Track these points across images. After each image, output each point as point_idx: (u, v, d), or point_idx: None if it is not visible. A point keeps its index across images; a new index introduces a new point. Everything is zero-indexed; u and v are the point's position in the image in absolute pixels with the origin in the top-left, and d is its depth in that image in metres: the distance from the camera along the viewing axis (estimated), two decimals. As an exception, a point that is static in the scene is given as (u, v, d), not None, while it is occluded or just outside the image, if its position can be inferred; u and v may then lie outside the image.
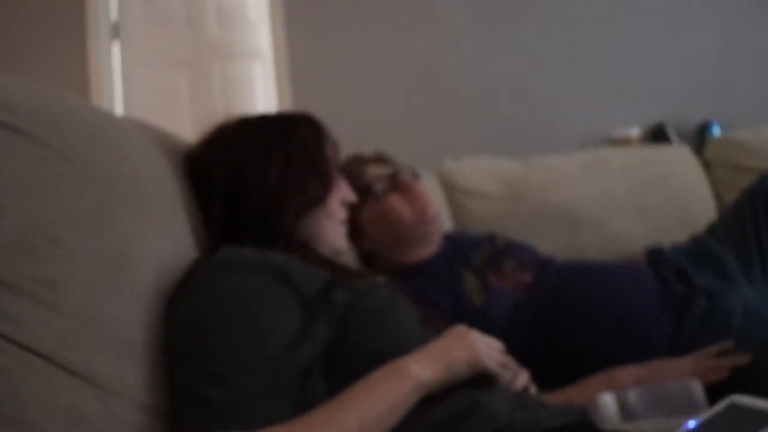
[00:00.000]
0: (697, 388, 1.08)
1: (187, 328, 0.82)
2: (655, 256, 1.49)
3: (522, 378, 1.00)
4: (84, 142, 0.85)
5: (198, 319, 0.82)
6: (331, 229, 1.06)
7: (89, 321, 0.75)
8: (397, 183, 1.42)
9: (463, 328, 0.93)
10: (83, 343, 0.74)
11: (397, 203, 1.40)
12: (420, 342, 0.89)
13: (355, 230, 1.32)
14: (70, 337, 0.73)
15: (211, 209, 1.00)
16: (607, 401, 1.08)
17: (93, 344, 0.75)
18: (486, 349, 0.91)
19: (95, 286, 0.78)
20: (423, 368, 0.83)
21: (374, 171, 1.43)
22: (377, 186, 1.40)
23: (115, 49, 3.49)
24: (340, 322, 0.87)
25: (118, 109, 3.40)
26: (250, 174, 0.99)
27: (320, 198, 1.02)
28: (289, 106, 3.02)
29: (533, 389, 1.02)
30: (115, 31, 3.48)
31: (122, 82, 3.49)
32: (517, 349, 1.24)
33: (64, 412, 0.70)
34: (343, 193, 1.09)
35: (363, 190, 1.36)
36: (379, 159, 1.47)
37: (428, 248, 1.44)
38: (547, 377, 1.10)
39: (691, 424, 0.93)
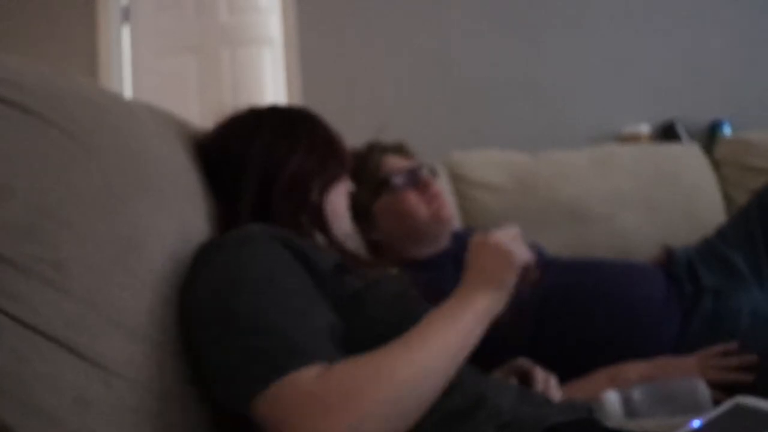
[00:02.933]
0: (702, 388, 1.07)
1: (219, 295, 0.82)
2: (669, 255, 1.49)
3: (551, 384, 1.04)
4: (95, 124, 0.85)
5: (228, 283, 0.82)
6: (344, 209, 1.11)
7: (96, 304, 0.75)
8: (417, 179, 1.41)
9: (478, 239, 0.92)
10: (90, 325, 0.74)
11: (414, 200, 1.39)
12: None
13: (366, 218, 1.32)
14: (76, 319, 0.73)
15: (241, 193, 1.02)
16: (612, 399, 1.08)
17: (99, 327, 0.75)
18: (512, 244, 0.91)
19: (103, 269, 0.77)
20: (483, 297, 0.86)
21: (394, 162, 1.42)
22: (396, 179, 1.39)
23: (125, 33, 3.48)
24: (349, 307, 0.87)
25: (127, 93, 3.40)
26: (278, 157, 1.04)
27: (338, 175, 1.09)
28: (298, 93, 3.01)
29: (558, 394, 1.03)
30: (126, 15, 3.48)
31: (131, 67, 3.49)
32: (522, 346, 1.25)
33: (69, 393, 0.70)
34: (349, 183, 1.14)
35: (381, 181, 1.35)
36: (399, 150, 1.46)
37: (437, 245, 1.44)
38: (551, 371, 1.10)
39: (696, 423, 0.93)
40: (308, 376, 0.73)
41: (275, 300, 0.80)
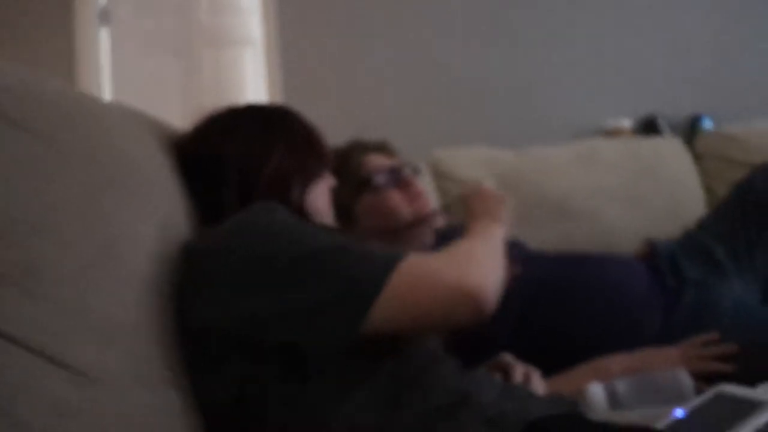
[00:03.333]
0: (685, 378, 1.08)
1: (279, 246, 0.84)
2: (652, 248, 1.49)
3: (534, 378, 1.05)
4: (70, 126, 0.83)
5: (280, 236, 0.86)
6: (326, 205, 1.11)
7: (71, 309, 0.74)
8: (399, 178, 1.40)
9: (469, 193, 1.14)
10: (67, 332, 0.72)
11: (396, 200, 1.38)
12: None
13: (349, 217, 1.31)
14: (53, 327, 0.71)
15: (221, 193, 1.01)
16: (596, 391, 1.08)
17: (78, 334, 0.73)
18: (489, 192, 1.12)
19: (80, 274, 0.76)
20: (497, 229, 1.03)
21: (376, 161, 1.41)
22: (378, 178, 1.37)
23: (104, 36, 3.45)
24: None
25: (107, 96, 3.37)
26: (257, 156, 1.03)
27: (319, 173, 1.09)
28: (279, 94, 3.00)
29: (542, 388, 1.04)
30: (105, 17, 3.45)
31: (111, 69, 3.46)
32: (505, 339, 1.25)
33: (47, 402, 0.68)
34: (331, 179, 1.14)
35: (363, 180, 1.35)
36: (382, 148, 1.45)
37: (420, 244, 1.43)
38: (535, 366, 1.11)
39: (679, 412, 0.94)
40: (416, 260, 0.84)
41: (325, 233, 0.88)
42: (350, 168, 1.37)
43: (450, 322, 0.88)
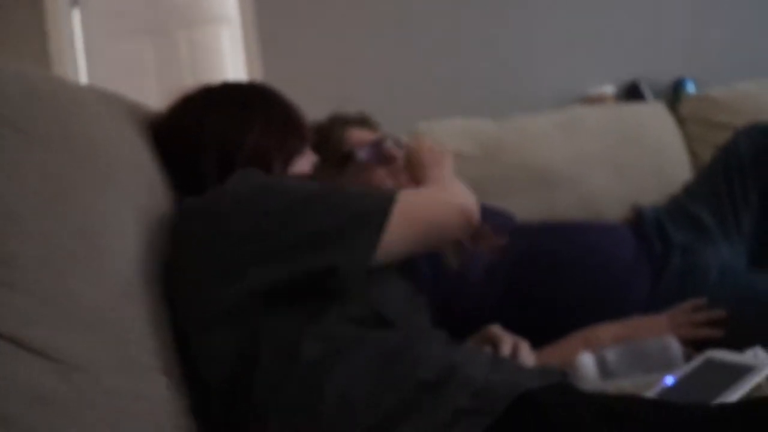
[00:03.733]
0: (674, 345, 1.08)
1: (278, 194, 0.90)
2: (638, 214, 1.49)
3: (523, 349, 1.05)
4: (38, 112, 0.82)
5: (275, 187, 0.92)
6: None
7: (51, 297, 0.73)
8: (381, 152, 1.36)
9: (411, 147, 1.27)
10: (44, 320, 0.71)
11: (379, 174, 1.35)
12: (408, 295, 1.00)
13: None
14: (29, 314, 0.70)
15: (200, 174, 1.00)
16: (586, 361, 1.08)
17: (54, 321, 0.72)
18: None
19: (55, 261, 0.75)
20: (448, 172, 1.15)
21: (358, 135, 1.37)
22: (360, 153, 1.34)
23: (76, 18, 3.38)
24: None
25: (82, 79, 3.31)
26: (235, 135, 1.02)
27: (299, 149, 1.08)
28: (258, 72, 2.96)
29: (531, 359, 1.04)
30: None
31: (84, 52, 3.39)
32: (493, 310, 1.25)
33: (25, 391, 0.67)
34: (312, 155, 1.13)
35: (345, 155, 1.32)
36: (363, 122, 1.42)
37: None
38: (524, 337, 1.10)
39: (669, 380, 0.94)
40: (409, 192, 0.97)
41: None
42: (331, 143, 1.34)
43: (447, 236, 1.04)
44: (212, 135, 1.01)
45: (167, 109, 1.07)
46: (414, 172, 1.21)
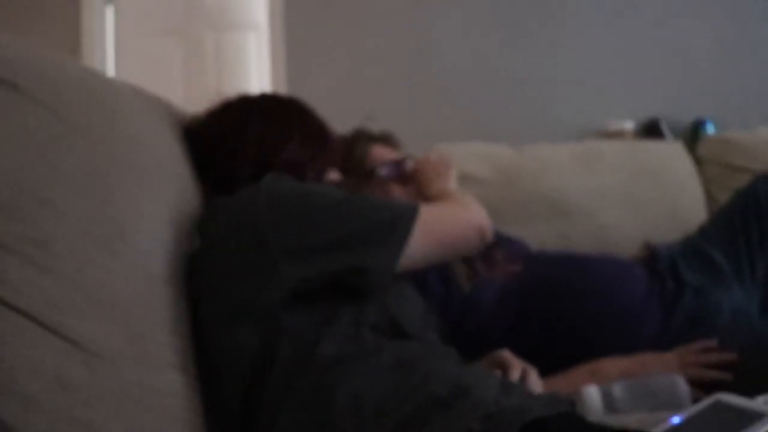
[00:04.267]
0: (682, 384, 1.07)
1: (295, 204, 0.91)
2: (651, 251, 1.49)
3: (531, 376, 1.06)
4: (82, 104, 0.83)
5: (306, 194, 0.94)
6: None
7: (79, 284, 0.74)
8: (402, 171, 1.39)
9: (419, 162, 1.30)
10: (72, 306, 0.73)
11: (397, 193, 1.37)
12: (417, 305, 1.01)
13: None
14: (58, 300, 0.71)
15: (235, 180, 1.01)
16: (592, 393, 1.08)
17: (82, 308, 0.74)
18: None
19: (86, 249, 0.76)
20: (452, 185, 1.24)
21: (381, 152, 1.40)
22: (382, 170, 1.37)
23: (109, 14, 3.42)
24: None
25: (110, 74, 3.34)
26: (273, 145, 1.05)
27: (330, 165, 1.12)
28: (282, 79, 2.99)
29: (539, 387, 1.05)
30: (111, -5, 3.43)
31: (114, 48, 3.43)
32: (503, 337, 1.25)
33: (50, 375, 0.68)
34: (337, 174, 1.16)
35: (367, 171, 1.34)
36: (386, 139, 1.45)
37: None
38: (531, 364, 1.10)
39: (676, 419, 0.93)
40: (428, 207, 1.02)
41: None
42: (355, 158, 1.36)
43: (462, 250, 1.12)
44: (252, 141, 1.04)
45: (206, 113, 1.10)
46: (419, 185, 1.27)
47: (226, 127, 1.06)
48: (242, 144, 1.03)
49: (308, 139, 1.08)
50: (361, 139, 1.40)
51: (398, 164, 1.38)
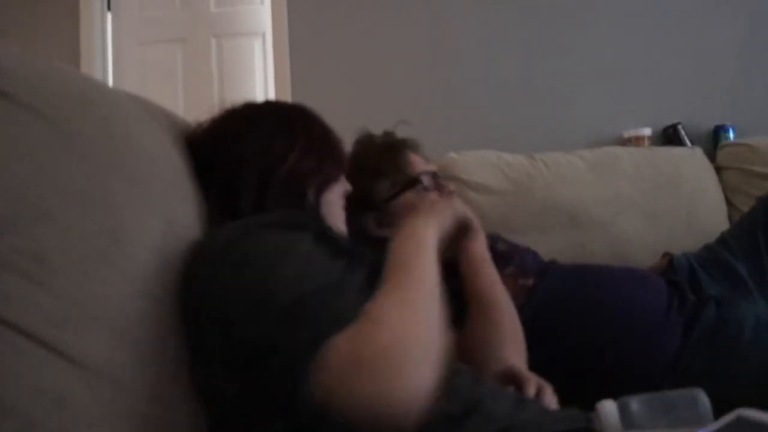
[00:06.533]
0: (703, 399, 1.04)
1: (243, 280, 0.77)
2: (670, 262, 1.46)
3: (547, 392, 1.02)
4: (79, 113, 0.82)
5: (250, 268, 0.78)
6: (339, 210, 1.10)
7: (78, 299, 0.72)
8: (439, 183, 1.41)
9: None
10: (71, 322, 0.71)
11: (429, 202, 1.38)
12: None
13: (370, 203, 1.31)
14: (57, 316, 0.70)
15: (237, 190, 0.99)
16: (609, 408, 1.05)
17: (81, 324, 0.72)
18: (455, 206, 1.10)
19: (85, 263, 0.74)
20: (425, 227, 0.91)
21: (418, 161, 1.43)
22: (425, 180, 1.39)
23: (108, 21, 3.44)
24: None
25: (109, 82, 3.36)
26: (276, 154, 1.02)
27: (335, 176, 1.08)
28: (286, 87, 2.97)
29: (554, 403, 1.02)
30: (110, 3, 3.44)
31: (113, 56, 3.44)
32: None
33: (48, 394, 0.67)
34: (346, 183, 1.14)
35: (413, 179, 1.37)
36: (417, 148, 1.47)
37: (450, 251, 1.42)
38: (545, 378, 1.07)
39: (698, 435, 0.90)
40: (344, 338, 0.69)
41: (302, 272, 0.78)
42: (397, 163, 1.39)
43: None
44: (254, 150, 1.02)
45: (209, 122, 1.08)
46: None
47: (228, 136, 1.05)
48: (244, 153, 1.01)
49: (311, 147, 1.05)
50: (402, 146, 1.41)
51: (435, 176, 1.40)
